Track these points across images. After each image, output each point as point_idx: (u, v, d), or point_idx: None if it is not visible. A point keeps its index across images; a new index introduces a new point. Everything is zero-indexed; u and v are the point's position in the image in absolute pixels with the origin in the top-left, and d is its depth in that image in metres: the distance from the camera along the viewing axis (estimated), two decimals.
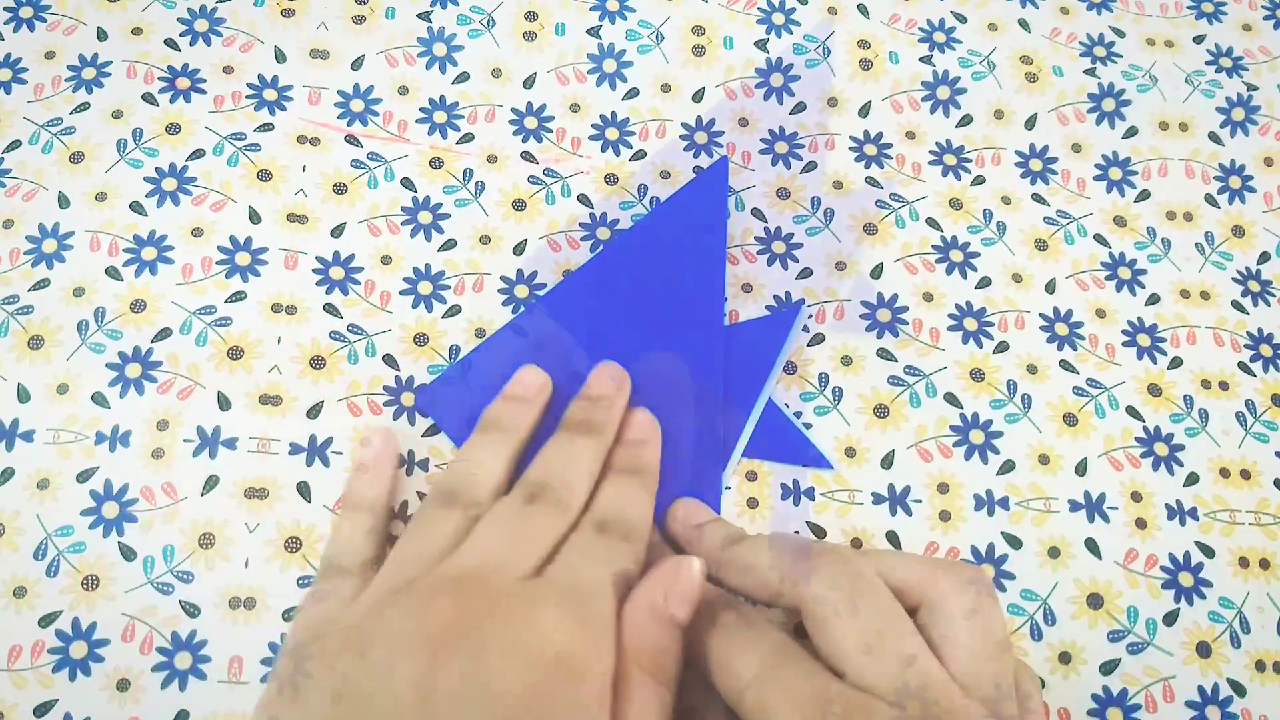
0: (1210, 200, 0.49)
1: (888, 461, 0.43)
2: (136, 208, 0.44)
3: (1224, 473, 0.44)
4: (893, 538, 0.42)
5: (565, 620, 0.32)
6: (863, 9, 0.51)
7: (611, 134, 0.47)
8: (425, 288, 0.44)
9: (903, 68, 0.50)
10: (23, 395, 0.41)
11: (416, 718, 0.30)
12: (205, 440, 0.41)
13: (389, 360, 0.43)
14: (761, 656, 0.33)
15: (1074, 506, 0.43)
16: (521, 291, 0.44)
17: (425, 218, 0.45)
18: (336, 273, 0.44)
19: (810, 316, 0.45)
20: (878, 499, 0.42)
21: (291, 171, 0.45)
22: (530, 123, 0.47)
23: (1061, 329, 0.46)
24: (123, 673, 0.38)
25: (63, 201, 0.44)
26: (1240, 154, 0.50)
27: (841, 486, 0.42)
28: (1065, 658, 0.41)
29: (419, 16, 0.49)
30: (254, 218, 0.44)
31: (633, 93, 0.48)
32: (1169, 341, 0.46)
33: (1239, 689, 0.41)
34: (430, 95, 0.47)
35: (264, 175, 0.45)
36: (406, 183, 0.46)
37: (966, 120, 0.49)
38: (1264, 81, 0.51)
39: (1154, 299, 0.46)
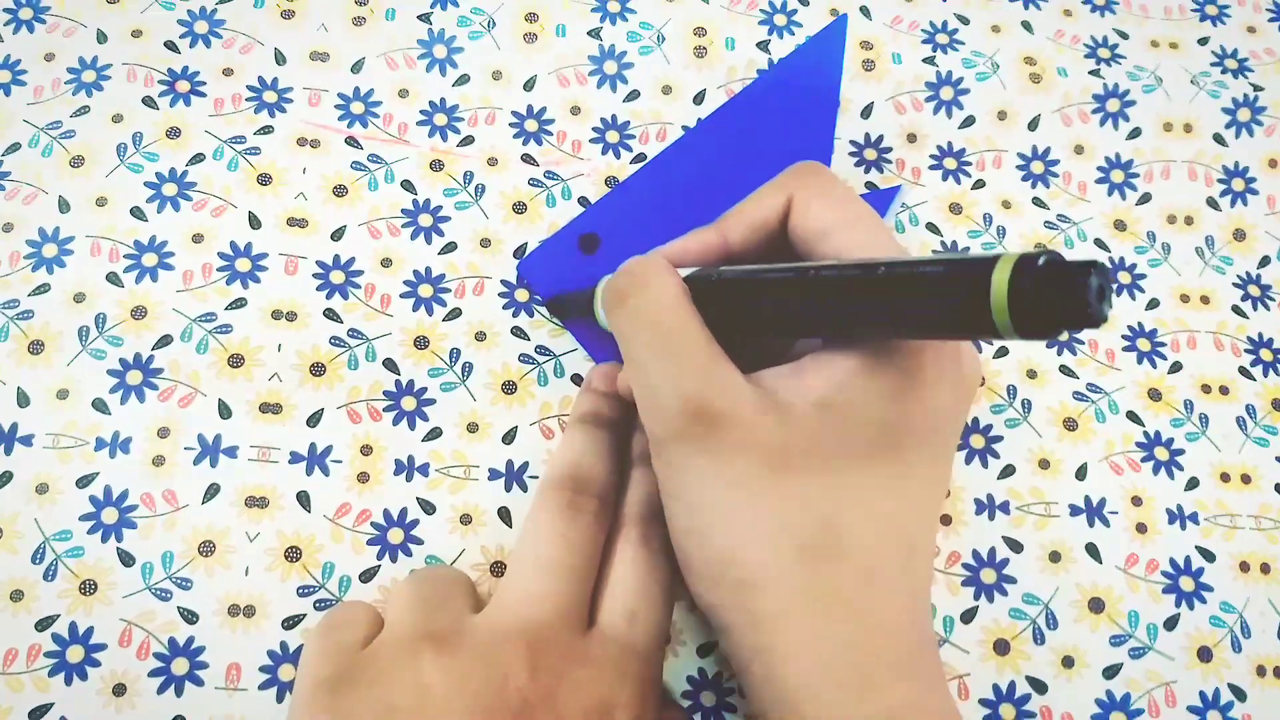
0: (1212, 203, 0.48)
1: None
2: (137, 213, 0.44)
3: (1224, 477, 0.44)
4: None
5: (626, 692, 0.33)
6: (865, 10, 0.51)
7: (612, 137, 0.47)
8: (426, 291, 0.44)
9: (906, 68, 0.50)
10: (22, 400, 0.41)
11: None
12: (206, 448, 0.41)
13: (389, 364, 0.43)
14: None
15: (1075, 511, 0.43)
16: (522, 295, 0.44)
17: (426, 220, 0.45)
18: (337, 276, 0.44)
19: None
20: None
21: (291, 175, 0.45)
22: (531, 125, 0.47)
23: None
24: (119, 677, 0.38)
25: (63, 206, 0.44)
26: (1244, 156, 0.49)
27: None
28: (1068, 662, 0.41)
29: (419, 18, 0.49)
30: (254, 223, 0.44)
31: (633, 95, 0.48)
32: (1169, 346, 0.46)
33: (1240, 694, 0.41)
34: (430, 98, 0.47)
35: (264, 179, 0.45)
36: (407, 185, 0.46)
37: (969, 121, 0.49)
38: (1270, 82, 0.51)
39: (1154, 304, 0.46)
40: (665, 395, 0.32)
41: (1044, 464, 0.43)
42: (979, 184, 0.48)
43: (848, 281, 0.29)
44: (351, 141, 0.46)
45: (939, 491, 0.34)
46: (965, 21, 0.51)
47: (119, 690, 0.38)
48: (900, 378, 0.31)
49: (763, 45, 0.50)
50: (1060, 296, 0.23)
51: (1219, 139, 0.50)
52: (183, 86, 0.46)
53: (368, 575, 0.40)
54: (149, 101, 0.46)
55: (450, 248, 0.45)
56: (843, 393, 0.30)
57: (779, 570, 0.31)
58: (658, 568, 0.36)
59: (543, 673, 0.32)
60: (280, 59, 0.47)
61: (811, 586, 0.31)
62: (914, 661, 0.31)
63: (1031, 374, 0.45)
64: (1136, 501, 0.43)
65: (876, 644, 0.30)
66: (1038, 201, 0.48)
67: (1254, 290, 0.47)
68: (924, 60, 0.50)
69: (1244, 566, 0.43)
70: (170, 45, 0.47)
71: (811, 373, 0.31)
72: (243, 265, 0.44)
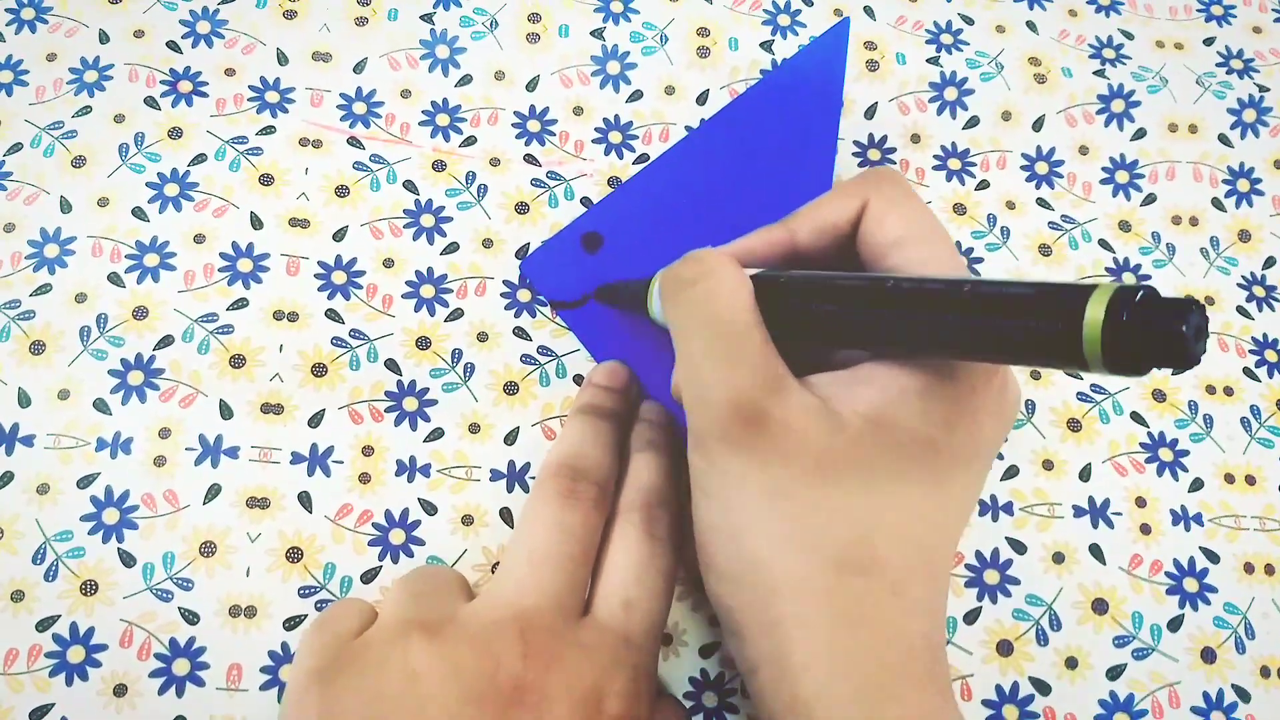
0: (1217, 204, 0.48)
1: None
2: (138, 213, 0.44)
3: (1229, 478, 0.44)
4: None
5: (619, 680, 0.33)
6: (869, 10, 0.51)
7: (615, 137, 0.47)
8: (428, 291, 0.44)
9: (910, 69, 0.50)
10: (23, 400, 0.41)
11: None
12: (207, 449, 0.41)
13: (391, 365, 0.43)
14: None
15: (1078, 512, 0.43)
16: (524, 295, 0.44)
17: (428, 221, 0.45)
18: (339, 277, 0.44)
19: None
20: None
21: (293, 175, 0.45)
22: (533, 126, 0.47)
23: None
24: (120, 678, 0.38)
25: (64, 206, 0.44)
26: (1250, 156, 0.49)
27: None
28: (1072, 663, 0.41)
29: (422, 18, 0.49)
30: (256, 223, 0.44)
31: (636, 95, 0.48)
32: None
33: (1244, 695, 0.41)
34: (433, 98, 0.47)
35: (266, 179, 0.45)
36: (409, 185, 0.45)
37: (974, 122, 0.49)
38: (1275, 83, 0.51)
39: None
40: (716, 392, 0.31)
41: (1048, 465, 0.43)
42: (983, 185, 0.48)
43: (930, 296, 0.28)
44: (353, 142, 0.46)
45: (968, 512, 0.33)
46: (970, 22, 0.51)
47: (120, 691, 0.38)
48: (953, 402, 0.30)
49: (766, 45, 0.50)
50: (1157, 333, 0.22)
51: (1224, 140, 0.50)
52: (185, 87, 0.46)
53: (369, 576, 0.40)
54: (151, 102, 0.46)
55: (452, 248, 0.45)
56: (895, 409, 0.30)
57: (809, 579, 0.30)
58: (658, 556, 0.36)
59: (535, 659, 0.31)
60: (282, 59, 0.47)
61: (839, 598, 0.30)
62: (930, 674, 0.31)
63: (1035, 375, 0.45)
64: (1140, 503, 0.43)
65: (895, 657, 0.30)
66: (1042, 202, 0.48)
67: (1259, 291, 0.47)
68: (928, 60, 0.50)
69: (1248, 568, 0.43)
70: (172, 45, 0.47)
71: (865, 384, 0.31)
72: (244, 266, 0.43)
